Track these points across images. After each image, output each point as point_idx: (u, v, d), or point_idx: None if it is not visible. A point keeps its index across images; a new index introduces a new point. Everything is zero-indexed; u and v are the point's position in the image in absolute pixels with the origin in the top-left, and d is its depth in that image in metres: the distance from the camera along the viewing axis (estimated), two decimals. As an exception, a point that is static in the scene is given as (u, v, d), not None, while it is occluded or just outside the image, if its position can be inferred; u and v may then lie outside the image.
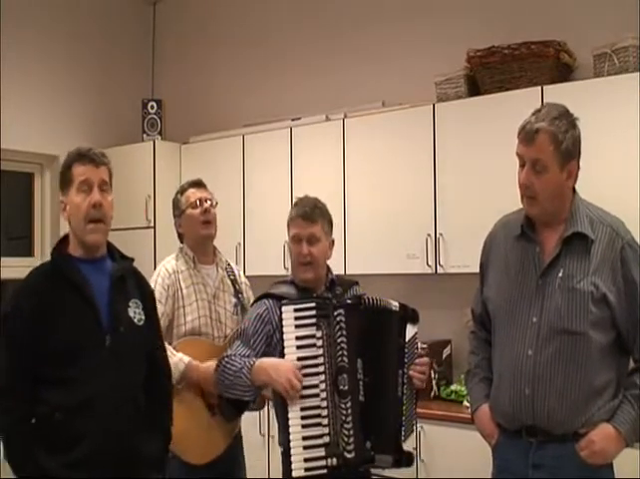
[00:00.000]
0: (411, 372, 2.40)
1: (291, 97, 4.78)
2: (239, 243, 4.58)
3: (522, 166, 2.21)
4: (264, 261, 4.44)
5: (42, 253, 4.97)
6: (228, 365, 2.43)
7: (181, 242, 3.05)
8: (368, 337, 2.35)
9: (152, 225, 4.80)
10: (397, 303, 2.42)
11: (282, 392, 2.30)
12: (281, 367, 2.32)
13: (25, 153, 4.82)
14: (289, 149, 4.42)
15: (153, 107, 5.12)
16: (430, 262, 3.82)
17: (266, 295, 2.57)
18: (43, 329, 2.16)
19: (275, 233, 4.43)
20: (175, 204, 3.05)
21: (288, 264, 4.35)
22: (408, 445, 2.39)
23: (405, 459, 2.37)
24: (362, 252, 4.09)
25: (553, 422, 2.16)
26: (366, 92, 4.39)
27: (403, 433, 2.38)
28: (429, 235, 3.83)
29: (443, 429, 3.46)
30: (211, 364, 2.67)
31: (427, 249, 3.83)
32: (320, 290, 2.56)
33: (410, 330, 2.40)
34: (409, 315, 2.43)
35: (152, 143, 4.89)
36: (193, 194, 2.99)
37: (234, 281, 3.04)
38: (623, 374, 2.22)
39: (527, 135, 2.17)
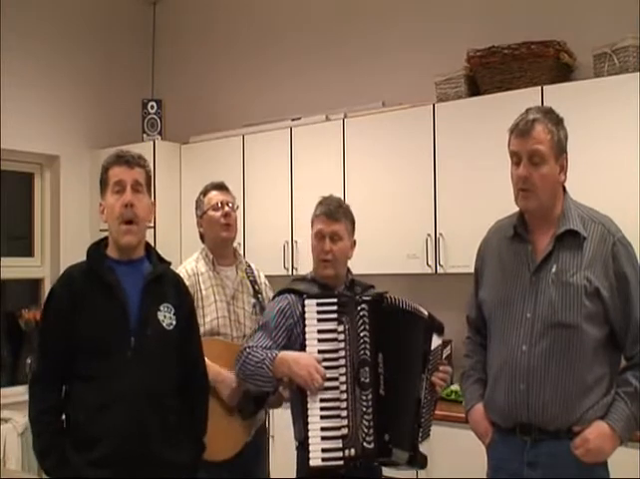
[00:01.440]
0: (433, 378, 2.46)
1: (291, 97, 4.78)
2: (239, 244, 4.56)
3: (517, 163, 2.24)
4: (264, 261, 4.40)
5: (42, 253, 4.98)
6: (250, 356, 2.48)
7: (203, 242, 3.09)
8: (389, 334, 2.40)
9: (151, 225, 4.78)
10: (426, 312, 2.47)
11: (303, 385, 2.35)
12: (302, 361, 2.37)
13: (25, 153, 4.82)
14: (289, 149, 4.42)
15: (153, 107, 5.12)
16: (430, 262, 3.83)
17: (288, 290, 2.61)
18: (72, 326, 2.22)
19: (275, 233, 4.44)
20: (198, 204, 3.09)
21: (288, 264, 4.37)
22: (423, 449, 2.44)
23: (419, 459, 2.43)
24: (362, 252, 4.05)
25: (548, 417, 2.17)
26: (366, 92, 4.39)
27: (420, 435, 2.43)
28: (429, 235, 3.84)
29: (443, 429, 3.46)
30: (225, 372, 2.72)
31: (427, 249, 3.84)
32: (340, 289, 2.62)
33: (435, 340, 2.46)
34: (436, 326, 2.48)
35: (152, 143, 4.89)
36: (215, 196, 3.03)
37: (253, 282, 3.06)
38: (616, 371, 2.24)
39: (524, 127, 2.21)
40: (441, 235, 3.81)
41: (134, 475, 2.19)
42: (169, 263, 2.47)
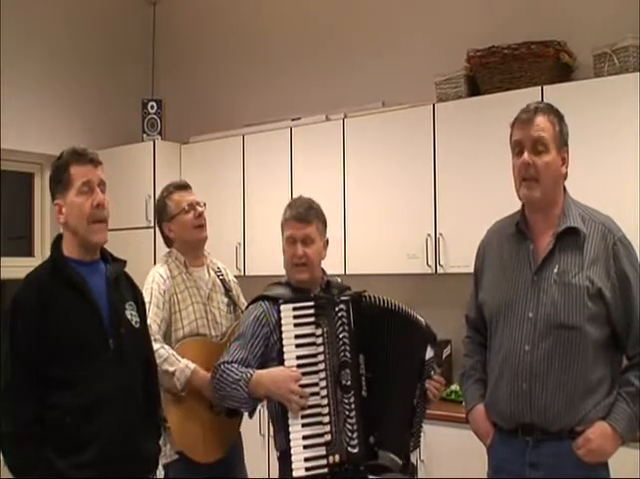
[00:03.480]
0: (427, 384, 2.41)
1: (291, 97, 4.78)
2: (239, 244, 4.58)
3: (519, 153, 2.24)
4: (264, 261, 4.43)
5: (42, 253, 4.97)
6: (225, 374, 2.41)
7: (168, 247, 3.02)
8: (371, 334, 2.34)
9: (151, 225, 4.79)
10: (423, 319, 2.43)
11: (287, 405, 2.28)
12: (279, 379, 2.30)
13: (25, 153, 4.81)
14: (289, 149, 4.42)
15: (153, 107, 5.12)
16: (430, 262, 3.83)
17: (262, 297, 2.56)
18: (46, 330, 2.14)
19: (275, 233, 4.40)
20: (163, 208, 2.98)
21: (288, 264, 4.37)
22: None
23: (410, 467, 2.38)
24: (362, 252, 4.08)
25: (550, 418, 2.17)
26: (366, 92, 4.39)
27: (412, 443, 2.40)
28: (429, 235, 3.83)
29: (443, 429, 3.46)
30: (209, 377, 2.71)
31: (427, 249, 3.83)
32: (316, 291, 2.55)
33: (429, 352, 2.42)
34: (432, 337, 2.44)
35: (152, 143, 4.88)
36: (183, 197, 2.95)
37: (223, 281, 3.05)
38: (617, 371, 2.24)
39: (527, 116, 2.23)
40: (441, 235, 3.81)
41: (120, 474, 2.19)
42: (125, 262, 2.42)
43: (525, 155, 2.21)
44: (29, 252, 4.96)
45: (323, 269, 2.64)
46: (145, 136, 5.09)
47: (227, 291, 3.02)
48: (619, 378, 2.22)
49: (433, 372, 2.44)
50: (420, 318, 2.43)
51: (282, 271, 4.28)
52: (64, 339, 2.16)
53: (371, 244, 4.05)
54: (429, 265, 3.83)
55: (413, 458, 2.42)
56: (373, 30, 4.47)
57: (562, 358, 2.16)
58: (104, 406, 2.16)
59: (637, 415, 2.17)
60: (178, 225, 2.94)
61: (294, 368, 2.30)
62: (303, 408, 2.26)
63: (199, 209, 2.94)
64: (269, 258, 4.39)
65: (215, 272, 3.04)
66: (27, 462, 2.12)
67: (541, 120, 2.22)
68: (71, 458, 2.14)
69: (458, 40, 3.99)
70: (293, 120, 4.52)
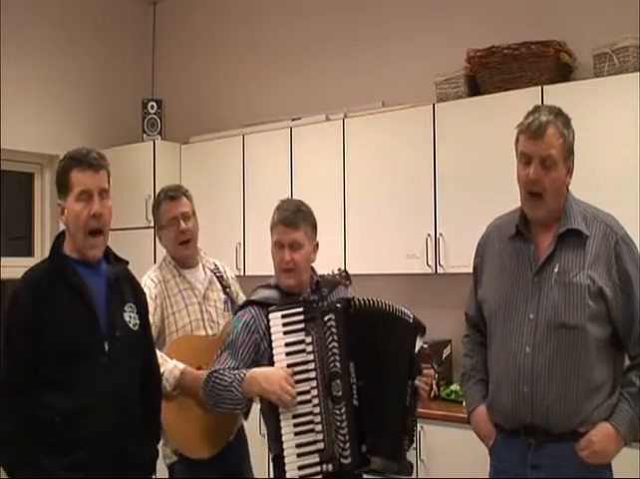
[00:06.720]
0: (417, 382, 2.38)
1: (291, 97, 4.78)
2: (239, 243, 4.58)
3: (526, 164, 2.21)
4: (264, 261, 4.40)
5: (42, 253, 4.97)
6: (218, 380, 2.38)
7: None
8: (362, 340, 2.29)
9: (152, 225, 4.76)
10: (410, 313, 2.39)
11: (276, 402, 2.26)
12: (272, 376, 2.28)
13: (25, 153, 4.81)
14: (289, 149, 4.42)
15: (153, 107, 5.12)
16: (430, 262, 3.82)
17: (250, 302, 2.52)
18: (40, 329, 2.13)
19: (275, 233, 4.44)
20: (155, 216, 2.99)
21: (288, 264, 4.37)
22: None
23: (406, 467, 2.37)
24: (362, 252, 4.09)
25: (552, 420, 2.17)
26: (366, 92, 4.39)
27: (407, 442, 2.37)
28: (429, 235, 3.83)
29: (443, 429, 3.46)
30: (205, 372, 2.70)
31: (427, 249, 3.83)
32: (305, 293, 2.51)
33: (418, 343, 2.38)
34: (420, 328, 2.39)
35: (152, 143, 4.89)
36: (169, 209, 2.91)
37: (220, 278, 3.03)
38: (619, 371, 2.24)
39: (537, 130, 2.17)
40: (441, 235, 3.81)
41: (110, 476, 2.17)
42: (127, 262, 2.40)
43: (533, 171, 2.18)
44: (29, 252, 4.96)
45: (313, 269, 2.59)
46: (145, 136, 5.08)
47: (225, 288, 3.01)
48: (621, 378, 2.22)
49: (424, 363, 2.41)
50: (406, 312, 2.38)
51: (282, 271, 4.29)
52: (57, 340, 2.14)
53: (371, 245, 4.05)
54: (429, 265, 3.83)
55: (411, 457, 2.41)
56: (373, 30, 4.47)
57: (564, 361, 2.16)
58: (96, 409, 2.14)
59: (639, 416, 2.17)
60: (165, 237, 2.95)
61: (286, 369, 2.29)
62: (292, 404, 2.24)
63: (183, 225, 2.88)
64: (269, 258, 4.39)
65: (212, 271, 3.03)
66: (19, 461, 2.12)
67: (552, 134, 2.17)
68: (61, 458, 2.12)
69: (458, 40, 3.98)
70: (293, 120, 4.52)
